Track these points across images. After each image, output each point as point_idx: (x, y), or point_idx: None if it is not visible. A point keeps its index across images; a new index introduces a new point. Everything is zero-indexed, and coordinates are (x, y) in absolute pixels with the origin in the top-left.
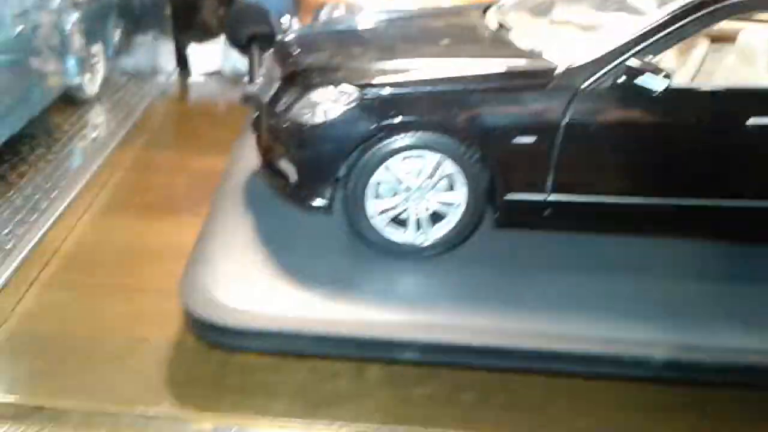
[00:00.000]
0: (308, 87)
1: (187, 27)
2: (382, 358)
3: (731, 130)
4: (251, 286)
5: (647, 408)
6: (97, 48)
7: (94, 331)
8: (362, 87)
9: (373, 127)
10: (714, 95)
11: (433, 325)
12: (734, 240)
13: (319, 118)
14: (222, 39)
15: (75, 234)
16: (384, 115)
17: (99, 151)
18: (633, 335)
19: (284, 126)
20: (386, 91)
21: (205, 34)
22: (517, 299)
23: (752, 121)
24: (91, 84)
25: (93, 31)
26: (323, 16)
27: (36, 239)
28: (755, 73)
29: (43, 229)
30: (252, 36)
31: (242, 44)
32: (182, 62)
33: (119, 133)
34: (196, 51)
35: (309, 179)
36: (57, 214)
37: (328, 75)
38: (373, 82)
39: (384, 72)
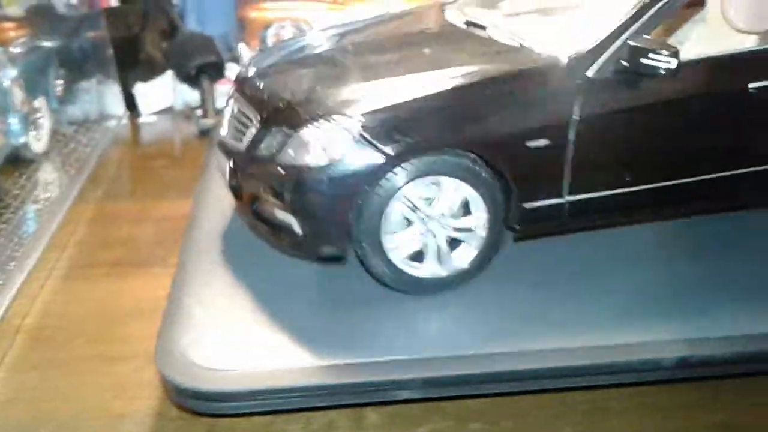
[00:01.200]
0: (296, 125)
1: (131, 66)
2: (380, 401)
3: (742, 96)
4: (231, 343)
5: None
6: (39, 102)
7: (70, 412)
8: (360, 116)
9: (381, 158)
10: (721, 63)
11: (432, 359)
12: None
13: (318, 158)
14: (169, 74)
15: (39, 305)
16: (390, 143)
17: (54, 210)
18: (641, 338)
19: (275, 173)
20: (387, 115)
21: (150, 71)
22: (511, 318)
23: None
24: (38, 141)
25: (33, 84)
26: (270, 36)
27: None
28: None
29: (3, 306)
30: (200, 67)
31: (191, 76)
32: (130, 103)
33: (74, 188)
34: (143, 90)
35: (317, 228)
36: (16, 287)
37: (314, 108)
38: (370, 108)
39: (376, 95)
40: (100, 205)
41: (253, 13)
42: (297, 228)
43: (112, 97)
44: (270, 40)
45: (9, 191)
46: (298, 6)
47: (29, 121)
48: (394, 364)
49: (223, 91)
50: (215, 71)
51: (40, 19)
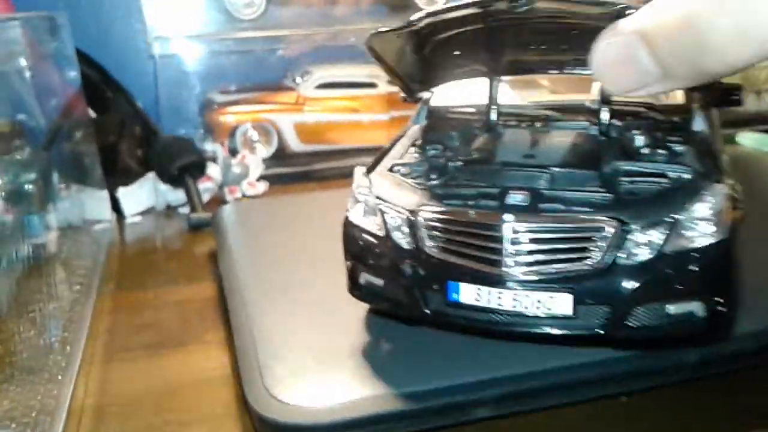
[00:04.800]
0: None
1: (112, 172)
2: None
3: None
4: (317, 381)
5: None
6: (49, 205)
7: None
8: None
9: None
10: None
11: (505, 377)
12: None
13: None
14: (149, 177)
15: (91, 388)
16: None
17: (83, 301)
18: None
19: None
20: None
21: (129, 176)
22: None
23: None
24: (51, 241)
25: (44, 187)
26: (239, 136)
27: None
28: None
29: (71, 385)
30: (183, 167)
31: (174, 177)
32: (114, 207)
33: (92, 284)
34: (125, 193)
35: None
36: (75, 368)
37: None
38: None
39: None
40: (116, 297)
41: (220, 117)
42: (701, 312)
43: (102, 201)
44: (238, 140)
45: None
46: (262, 109)
47: (45, 222)
48: (470, 385)
49: (205, 188)
50: (198, 170)
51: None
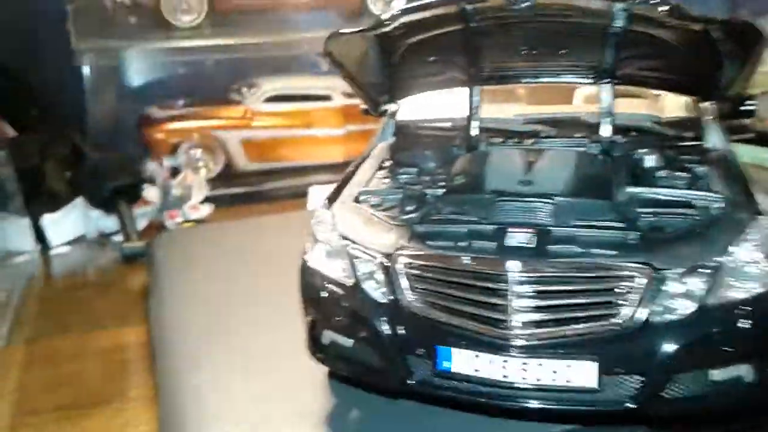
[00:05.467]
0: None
1: (34, 198)
2: None
3: None
4: None
5: None
6: None
7: None
8: None
9: None
10: None
11: None
12: None
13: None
14: (78, 202)
15: None
16: None
17: None
18: None
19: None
20: None
21: (54, 201)
22: None
23: None
24: None
25: None
26: (180, 154)
27: None
28: None
29: None
30: (116, 189)
31: (106, 201)
32: (39, 236)
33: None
34: (50, 221)
35: None
36: None
37: None
38: None
39: None
40: (31, 346)
41: (159, 134)
42: (751, 376)
43: (23, 230)
44: (180, 160)
45: None
46: (206, 125)
47: None
48: None
49: (142, 212)
50: (133, 193)
51: None
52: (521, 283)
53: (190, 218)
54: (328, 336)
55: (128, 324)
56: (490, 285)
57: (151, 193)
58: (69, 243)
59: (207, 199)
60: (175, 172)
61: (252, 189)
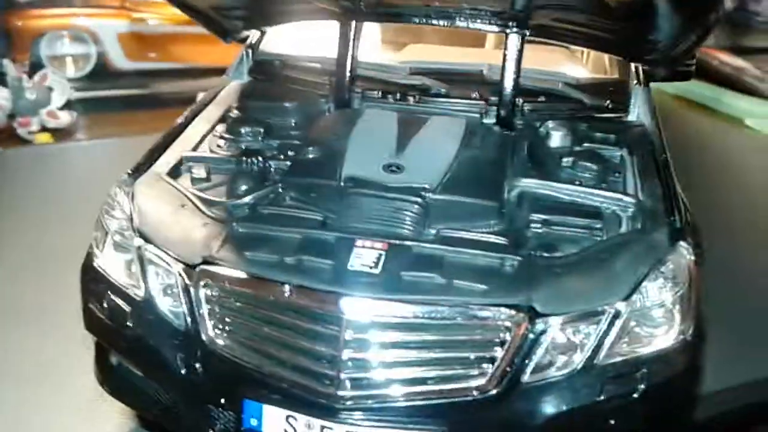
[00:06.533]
0: None
1: None
2: None
3: None
4: None
5: None
6: None
7: None
8: None
9: None
10: None
11: None
12: None
13: None
14: None
15: None
16: None
17: None
18: None
19: None
20: None
21: None
22: None
23: None
24: None
25: None
26: (44, 48)
27: None
28: None
29: None
30: None
31: None
32: None
33: None
34: None
35: None
36: None
37: None
38: None
39: None
40: None
41: (20, 22)
42: None
43: None
44: (44, 53)
45: None
46: (76, 12)
47: None
48: None
49: None
50: None
51: None
52: (356, 328)
53: (48, 126)
54: (115, 358)
55: None
56: (317, 328)
57: (0, 94)
58: None
59: (71, 104)
60: (35, 68)
61: (130, 92)
